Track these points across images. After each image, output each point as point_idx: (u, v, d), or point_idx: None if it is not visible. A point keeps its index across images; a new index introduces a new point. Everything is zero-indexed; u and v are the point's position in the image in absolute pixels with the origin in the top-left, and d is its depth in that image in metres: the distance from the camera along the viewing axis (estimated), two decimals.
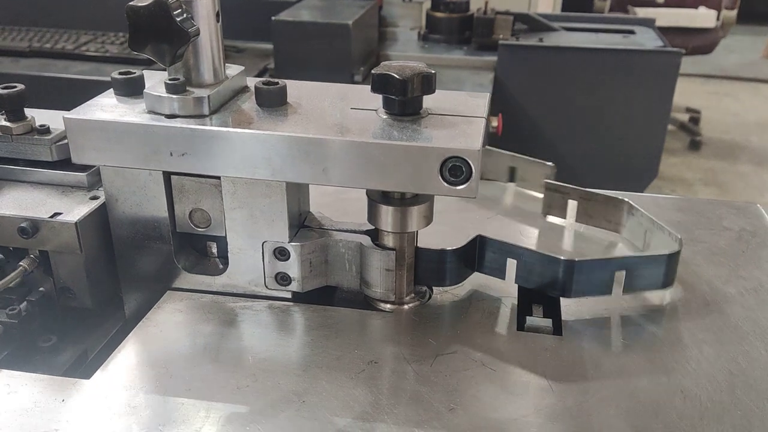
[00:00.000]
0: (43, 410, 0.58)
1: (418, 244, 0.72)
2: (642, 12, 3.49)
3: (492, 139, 2.14)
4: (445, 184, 0.61)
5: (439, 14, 2.51)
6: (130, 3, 0.60)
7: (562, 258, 0.68)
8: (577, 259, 0.68)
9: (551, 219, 0.90)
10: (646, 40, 2.27)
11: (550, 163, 0.92)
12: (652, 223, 0.79)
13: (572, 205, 0.88)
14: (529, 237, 0.87)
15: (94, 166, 0.75)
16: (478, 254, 0.72)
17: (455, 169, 0.60)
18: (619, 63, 2.11)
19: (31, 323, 0.70)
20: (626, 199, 0.84)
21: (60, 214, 0.70)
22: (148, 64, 2.14)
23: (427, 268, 0.72)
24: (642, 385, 0.62)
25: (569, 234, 0.88)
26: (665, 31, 2.48)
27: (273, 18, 2.19)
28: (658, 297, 0.74)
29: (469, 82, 2.20)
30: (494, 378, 0.62)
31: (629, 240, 0.85)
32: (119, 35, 2.37)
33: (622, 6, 3.74)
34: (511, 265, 0.70)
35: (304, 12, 2.33)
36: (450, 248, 0.71)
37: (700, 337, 0.68)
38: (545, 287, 0.70)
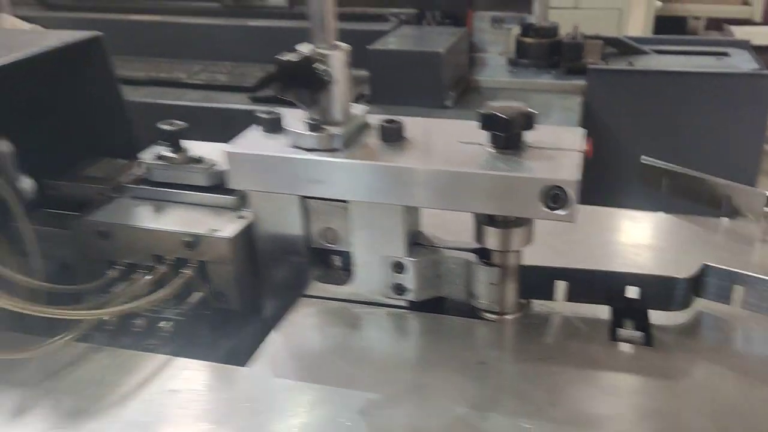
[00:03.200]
0: (211, 389, 0.71)
1: (660, 273, 0.80)
2: (738, 31, 3.43)
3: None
4: (547, 210, 0.70)
5: (528, 40, 2.58)
6: (279, 57, 0.73)
7: None
8: None
9: None
10: (741, 62, 2.26)
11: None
12: None
13: None
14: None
15: (239, 190, 0.89)
16: (704, 281, 0.79)
17: (556, 197, 0.69)
18: (711, 86, 2.12)
19: (192, 321, 0.84)
20: None
21: (217, 230, 0.84)
22: (252, 90, 2.34)
23: (658, 294, 0.79)
24: (728, 391, 0.68)
25: None
26: (764, 51, 2.45)
27: (369, 47, 2.33)
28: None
29: (558, 106, 2.26)
30: (589, 380, 0.71)
31: None
32: (226, 65, 2.60)
33: (717, 25, 3.68)
34: (738, 291, 0.77)
35: (397, 40, 2.47)
36: (681, 276, 0.78)
37: None
38: None
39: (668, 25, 3.63)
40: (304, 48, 0.75)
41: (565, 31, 2.54)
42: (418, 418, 0.66)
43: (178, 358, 0.76)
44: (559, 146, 0.76)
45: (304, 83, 0.75)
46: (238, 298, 0.86)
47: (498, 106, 0.74)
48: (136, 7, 2.95)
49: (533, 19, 2.60)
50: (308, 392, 0.70)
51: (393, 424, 0.66)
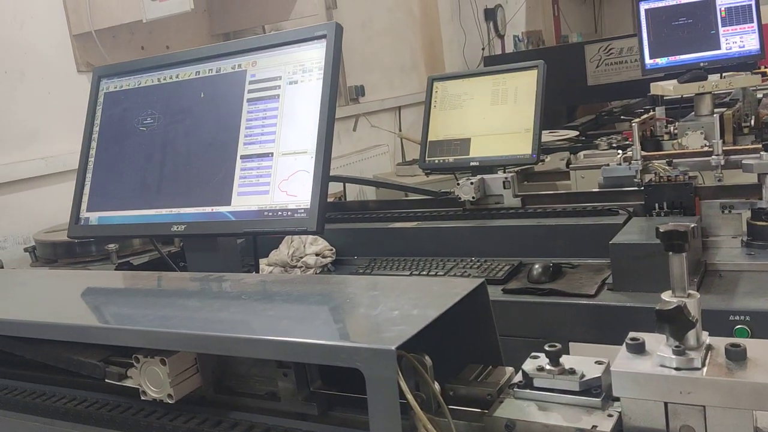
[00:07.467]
0: None
1: None
2: None
3: None
4: None
5: (761, 223, 2.76)
6: (658, 307, 1.06)
7: None
8: None
9: None
10: None
11: None
12: None
13: None
14: None
15: (601, 393, 1.20)
16: None
17: None
18: None
19: None
20: None
21: (596, 426, 1.15)
22: (503, 282, 2.68)
23: None
24: None
25: None
26: None
27: (611, 242, 2.65)
28: None
29: None
30: None
31: None
32: (473, 260, 3.04)
33: None
34: None
35: (635, 233, 2.76)
36: None
37: None
38: None
39: None
40: (667, 296, 1.09)
41: None
42: None
43: None
44: None
45: (679, 325, 1.07)
46: None
47: None
48: (394, 216, 3.58)
49: (764, 204, 2.79)
50: None
51: None
